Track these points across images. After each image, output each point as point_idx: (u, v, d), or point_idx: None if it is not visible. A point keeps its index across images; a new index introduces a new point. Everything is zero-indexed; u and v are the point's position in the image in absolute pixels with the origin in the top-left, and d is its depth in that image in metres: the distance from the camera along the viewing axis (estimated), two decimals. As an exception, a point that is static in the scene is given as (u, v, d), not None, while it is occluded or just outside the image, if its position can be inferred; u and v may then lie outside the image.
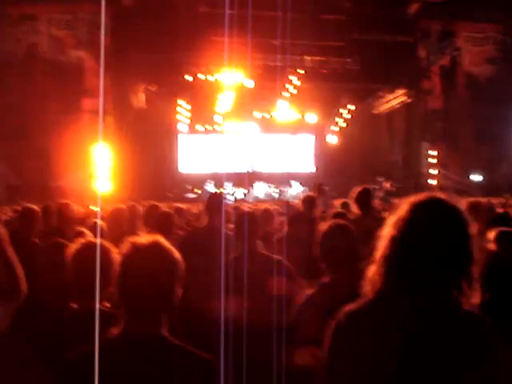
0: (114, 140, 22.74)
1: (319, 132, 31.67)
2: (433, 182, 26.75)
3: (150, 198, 9.40)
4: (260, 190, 28.10)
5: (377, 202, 14.43)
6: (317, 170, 31.51)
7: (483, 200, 7.17)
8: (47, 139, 22.06)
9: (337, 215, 5.94)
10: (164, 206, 7.98)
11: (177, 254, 2.30)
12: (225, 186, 26.99)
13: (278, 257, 4.76)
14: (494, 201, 14.30)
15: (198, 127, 29.88)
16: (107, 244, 3.15)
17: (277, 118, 28.97)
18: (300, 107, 28.85)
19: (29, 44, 24.05)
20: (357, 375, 2.02)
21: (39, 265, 4.17)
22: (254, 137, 30.41)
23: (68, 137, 21.30)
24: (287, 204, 11.92)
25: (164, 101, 27.07)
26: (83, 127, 22.80)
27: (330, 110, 30.45)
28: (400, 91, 27.54)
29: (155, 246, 2.26)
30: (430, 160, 27.45)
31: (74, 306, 3.17)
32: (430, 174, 27.40)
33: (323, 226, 4.00)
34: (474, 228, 2.07)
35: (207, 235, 5.51)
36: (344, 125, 30.53)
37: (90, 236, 4.31)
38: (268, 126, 30.02)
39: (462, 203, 2.12)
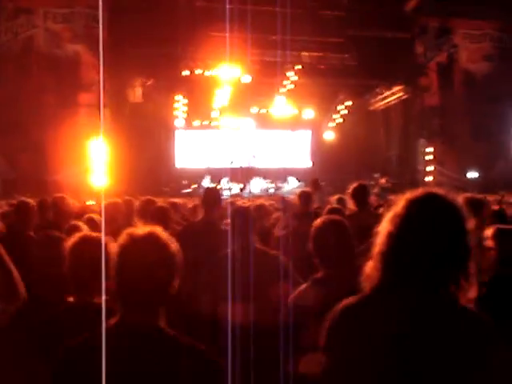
0: (110, 134, 22.69)
1: (316, 128, 31.68)
2: (429, 178, 26.78)
3: (146, 193, 9.39)
4: (256, 185, 28.10)
5: (373, 198, 14.42)
6: (313, 165, 31.54)
7: (480, 196, 7.18)
8: (43, 133, 22.01)
9: (332, 211, 5.93)
10: (160, 201, 7.98)
11: (174, 245, 2.29)
12: (221, 182, 27.00)
13: (274, 251, 4.76)
14: (490, 198, 14.33)
15: (195, 122, 29.84)
16: (105, 237, 3.14)
17: (274, 113, 28.96)
18: (297, 103, 28.86)
19: (25, 37, 23.95)
20: (353, 370, 2.02)
21: (34, 258, 4.16)
22: (250, 132, 30.39)
23: (64, 131, 21.26)
24: (283, 199, 11.91)
25: (161, 95, 27.02)
26: (79, 121, 22.77)
27: (326, 106, 30.45)
28: (397, 87, 27.57)
29: (152, 236, 2.26)
30: (427, 156, 27.49)
31: (70, 299, 3.17)
32: (426, 170, 27.44)
33: (317, 222, 3.99)
34: (470, 223, 2.07)
35: (203, 229, 5.51)
36: (341, 121, 30.53)
37: (85, 230, 4.30)
38: (265, 121, 30.01)
39: (459, 199, 2.12)
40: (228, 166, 28.52)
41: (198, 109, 28.89)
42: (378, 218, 2.24)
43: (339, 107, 30.16)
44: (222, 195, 8.46)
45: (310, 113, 30.52)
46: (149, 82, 26.18)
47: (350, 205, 6.79)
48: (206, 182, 27.13)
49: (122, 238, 2.26)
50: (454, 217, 2.05)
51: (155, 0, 22.80)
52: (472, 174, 27.16)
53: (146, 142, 25.59)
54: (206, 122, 29.89)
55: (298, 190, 8.68)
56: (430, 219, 2.04)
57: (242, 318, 4.13)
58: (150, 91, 26.56)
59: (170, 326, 2.24)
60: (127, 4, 23.06)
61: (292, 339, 3.45)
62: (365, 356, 1.99)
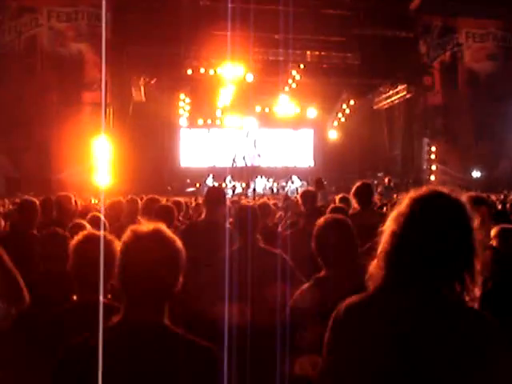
0: (114, 133, 22.74)
1: (319, 127, 31.69)
2: (432, 177, 26.77)
3: (150, 192, 9.40)
4: (259, 184, 28.11)
5: (376, 198, 14.42)
6: (316, 164, 31.53)
7: (483, 195, 7.18)
8: (47, 132, 22.08)
9: (335, 210, 5.90)
10: (163, 200, 7.98)
11: (178, 243, 2.28)
12: (225, 180, 27.03)
13: (278, 250, 4.75)
14: (494, 197, 14.32)
15: (199, 121, 29.87)
16: (110, 236, 3.14)
17: (277, 112, 28.96)
18: (300, 102, 28.84)
19: (29, 36, 24.01)
20: (355, 369, 2.02)
21: (37, 256, 4.16)
22: (253, 131, 30.39)
23: (68, 129, 21.32)
24: (285, 198, 11.90)
25: (164, 94, 27.05)
26: (83, 120, 22.81)
27: (329, 105, 30.46)
28: (400, 87, 27.54)
29: (157, 233, 2.24)
30: (430, 156, 27.49)
31: (74, 298, 3.17)
32: (430, 169, 27.43)
33: (319, 221, 3.97)
34: (475, 221, 2.05)
35: (206, 229, 5.50)
36: (344, 120, 30.51)
37: (88, 229, 4.30)
38: (267, 120, 30.01)
39: (464, 197, 2.11)
40: (232, 164, 28.56)
41: (202, 108, 28.93)
42: (381, 218, 2.23)
43: (342, 106, 30.15)
44: (226, 194, 8.45)
45: (312, 112, 30.52)
46: (152, 81, 26.22)
47: (354, 204, 6.77)
48: (210, 181, 27.16)
49: (127, 235, 2.25)
50: (458, 215, 2.04)
51: (159, -1, 22.84)
52: (475, 173, 27.15)
53: (149, 140, 25.63)
54: (209, 121, 29.92)
55: (302, 189, 8.67)
56: (434, 218, 2.02)
57: (246, 317, 4.13)
58: (153, 90, 26.60)
59: (172, 325, 2.24)
60: (131, 3, 23.10)
61: (293, 340, 3.45)
62: (367, 355, 1.99)
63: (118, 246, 2.35)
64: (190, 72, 25.14)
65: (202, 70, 25.14)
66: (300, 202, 7.00)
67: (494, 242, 4.65)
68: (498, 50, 28.01)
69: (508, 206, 10.70)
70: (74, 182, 19.71)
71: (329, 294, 3.05)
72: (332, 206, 6.56)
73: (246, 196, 23.75)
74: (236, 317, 3.97)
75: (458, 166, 27.24)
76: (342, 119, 30.62)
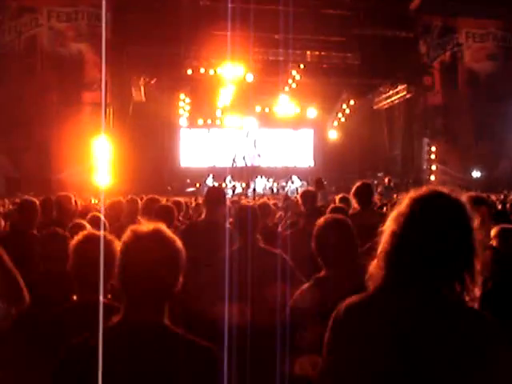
0: (114, 133, 22.75)
1: (319, 127, 31.69)
2: (432, 177, 26.79)
3: (150, 192, 9.40)
4: (259, 184, 28.12)
5: (376, 198, 14.42)
6: (316, 164, 31.54)
7: (483, 195, 7.19)
8: (47, 132, 22.08)
9: (335, 209, 5.90)
10: (163, 200, 7.98)
11: (178, 242, 2.28)
12: (225, 180, 27.04)
13: (277, 250, 4.75)
14: (493, 197, 14.33)
15: (198, 121, 29.88)
16: (110, 236, 3.13)
17: (277, 112, 28.97)
18: (300, 102, 28.85)
19: (28, 36, 24.01)
20: (355, 369, 2.02)
21: (37, 256, 4.15)
22: (253, 131, 30.40)
23: (68, 129, 21.32)
24: (285, 198, 11.90)
25: (164, 94, 27.06)
26: (83, 120, 22.82)
27: (329, 105, 30.46)
28: (400, 87, 27.55)
29: (157, 233, 2.24)
30: (430, 156, 27.50)
31: (74, 298, 3.16)
32: (430, 169, 27.45)
33: (319, 221, 3.97)
34: (476, 221, 2.05)
35: (206, 229, 5.49)
36: (344, 120, 30.52)
37: (88, 229, 4.30)
38: (267, 120, 30.02)
39: (464, 197, 2.10)
40: (232, 164, 28.58)
41: (202, 108, 28.94)
42: (381, 218, 2.23)
43: (342, 106, 30.16)
44: (226, 194, 8.46)
45: (312, 112, 30.52)
46: (152, 81, 26.23)
47: (354, 204, 6.77)
48: (210, 181, 27.17)
49: (127, 235, 2.24)
50: (458, 215, 2.03)
51: (159, -1, 22.84)
52: (475, 173, 27.15)
53: (149, 140, 25.64)
54: (209, 121, 29.93)
55: (302, 189, 8.66)
56: (434, 218, 2.02)
57: (246, 317, 4.13)
58: (153, 90, 26.61)
59: (172, 325, 2.24)
60: (131, 3, 23.10)
61: (293, 340, 3.45)
62: (367, 355, 1.99)
63: (118, 246, 2.35)
64: (190, 72, 25.15)
65: (202, 70, 25.15)
66: (300, 201, 7.00)
67: (494, 242, 4.65)
68: (497, 50, 28.02)
69: (508, 206, 10.71)
70: (74, 182, 19.71)
71: (329, 294, 3.04)
72: (332, 205, 6.56)
73: (246, 196, 23.75)
74: (236, 317, 3.97)
75: (457, 165, 27.25)
76: (342, 119, 30.63)
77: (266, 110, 29.74)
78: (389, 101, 29.00)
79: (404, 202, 2.10)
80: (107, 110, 22.33)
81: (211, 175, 27.81)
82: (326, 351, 2.16)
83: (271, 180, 28.76)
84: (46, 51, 23.95)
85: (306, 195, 6.98)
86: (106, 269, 2.62)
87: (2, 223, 7.20)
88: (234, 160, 29.09)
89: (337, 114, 30.77)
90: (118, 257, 2.26)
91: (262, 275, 4.33)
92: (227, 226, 5.32)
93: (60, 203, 6.86)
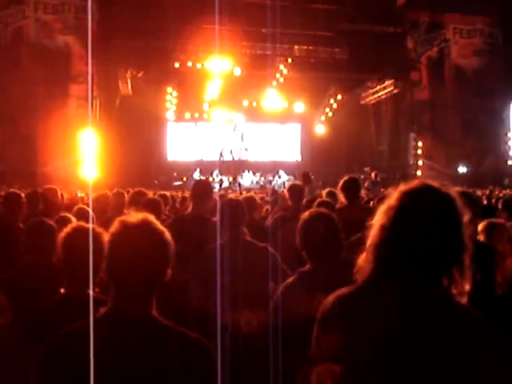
0: (101, 126, 22.64)
1: (306, 121, 31.71)
2: (418, 172, 26.90)
3: (136, 186, 9.35)
4: (246, 178, 28.13)
5: (363, 192, 14.47)
6: (303, 159, 31.58)
7: (469, 190, 7.23)
8: (32, 124, 21.94)
9: (321, 204, 5.91)
10: (150, 194, 7.95)
11: (167, 234, 2.27)
12: (212, 174, 27.02)
13: (264, 244, 4.76)
14: (479, 192, 14.41)
15: (186, 115, 29.80)
16: (98, 229, 3.11)
17: (264, 106, 28.96)
18: (288, 96, 28.84)
19: (15, 28, 23.82)
20: (342, 361, 2.02)
21: (23, 247, 4.11)
22: (241, 125, 30.38)
23: (54, 122, 21.19)
24: (273, 192, 11.90)
25: (151, 88, 26.95)
26: (69, 113, 22.70)
27: (317, 100, 30.46)
28: (387, 82, 27.62)
29: (145, 223, 2.23)
30: (416, 151, 27.61)
31: (62, 291, 3.14)
32: (416, 164, 27.56)
33: (304, 214, 3.98)
34: (466, 216, 2.05)
35: (192, 222, 5.49)
36: (331, 114, 30.56)
37: (74, 222, 4.27)
38: (255, 114, 29.99)
39: (454, 191, 2.10)
40: (219, 158, 28.56)
41: (189, 101, 28.84)
42: (368, 212, 2.23)
43: (329, 101, 30.19)
44: (214, 188, 8.44)
45: (300, 106, 30.51)
46: (139, 74, 26.12)
47: (341, 198, 6.77)
48: (197, 175, 27.13)
49: (114, 226, 2.23)
50: (448, 209, 2.03)
51: (146, -8, 22.72)
52: (461, 169, 27.29)
53: (136, 134, 25.53)
54: (196, 115, 29.85)
55: (289, 184, 8.66)
56: (424, 212, 2.02)
57: (231, 311, 4.13)
58: (140, 83, 26.50)
59: (161, 315, 2.23)
60: (118, -5, 22.96)
61: (279, 334, 3.45)
62: (355, 348, 2.00)
63: (106, 238, 2.34)
64: (177, 65, 25.08)
65: (190, 64, 25.08)
66: (287, 196, 7.00)
67: (481, 237, 4.69)
68: (484, 47, 28.14)
69: (493, 201, 10.77)
70: (60, 176, 19.60)
71: (313, 288, 3.06)
72: (319, 200, 6.57)
73: (233, 190, 23.75)
74: (221, 311, 3.97)
75: (444, 161, 27.37)
76: (330, 114, 30.67)
77: (254, 104, 29.69)
78: (376, 96, 29.08)
79: (394, 195, 2.10)
80: (94, 103, 22.23)
81: (198, 169, 27.75)
82: (314, 344, 2.17)
83: (258, 174, 28.76)
84: (32, 43, 23.77)
85: (293, 189, 6.98)
86: (94, 262, 2.61)
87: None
88: (221, 154, 29.06)
89: (324, 108, 30.81)
90: (106, 248, 2.25)
91: (249, 269, 4.33)
92: (214, 219, 5.31)
93: (46, 196, 6.83)
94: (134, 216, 2.27)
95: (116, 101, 25.48)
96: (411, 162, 28.03)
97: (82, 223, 3.38)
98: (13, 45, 23.61)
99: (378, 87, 28.44)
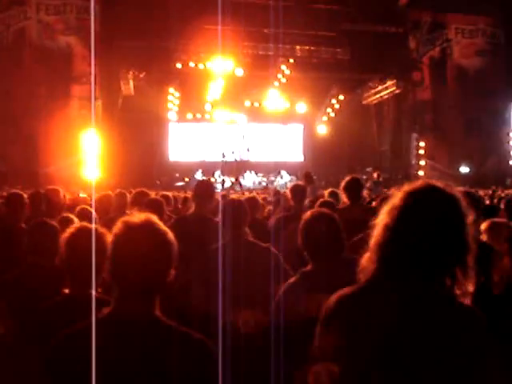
0: (103, 127, 22.65)
1: (308, 122, 31.70)
2: (421, 172, 26.87)
3: (138, 186, 9.36)
4: (249, 179, 28.11)
5: (365, 193, 14.45)
6: (305, 159, 31.57)
7: (472, 191, 7.24)
8: (35, 125, 21.94)
9: (324, 204, 5.91)
10: (152, 194, 7.95)
11: (170, 234, 2.28)
12: (214, 175, 27.00)
13: (266, 244, 4.75)
14: (482, 192, 14.39)
15: (188, 115, 29.79)
16: (102, 229, 3.11)
17: (266, 106, 28.95)
18: (290, 96, 28.84)
19: (17, 29, 23.83)
20: (344, 359, 2.03)
21: (26, 247, 4.11)
22: (243, 126, 30.37)
23: (56, 123, 21.20)
24: (275, 192, 11.90)
25: (153, 88, 26.95)
26: (71, 113, 22.71)
27: (319, 100, 30.45)
28: (389, 82, 27.60)
29: (148, 224, 2.23)
30: (418, 151, 27.58)
31: (65, 291, 3.14)
32: (418, 164, 27.53)
33: (306, 215, 3.98)
34: (470, 216, 2.04)
35: (194, 222, 5.49)
36: (333, 115, 30.54)
37: (76, 222, 4.27)
38: (257, 114, 29.98)
39: (458, 192, 2.10)
40: (221, 159, 28.55)
41: (191, 102, 28.83)
42: (370, 212, 2.23)
43: (332, 101, 30.17)
44: (216, 188, 8.46)
45: (302, 107, 30.50)
46: (141, 75, 26.12)
47: (344, 198, 6.77)
48: (199, 175, 27.13)
49: (117, 226, 2.23)
50: (452, 210, 2.03)
51: (148, -8, 22.71)
52: (464, 169, 27.25)
53: (138, 134, 25.54)
54: (198, 115, 29.83)
55: (291, 184, 8.65)
56: (428, 212, 2.01)
57: (233, 311, 4.12)
58: (142, 84, 26.51)
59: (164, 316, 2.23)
60: (120, -4, 22.97)
61: (280, 334, 3.45)
62: (356, 347, 2.00)
63: (110, 239, 2.34)
64: (179, 66, 25.08)
65: (192, 64, 25.09)
66: (290, 196, 7.00)
67: (484, 237, 4.68)
68: (487, 47, 28.10)
69: (496, 201, 10.76)
70: (62, 176, 19.61)
71: (315, 288, 3.06)
72: (321, 200, 6.57)
73: (235, 190, 23.75)
74: (223, 311, 3.97)
75: (446, 161, 27.33)
76: (332, 114, 30.65)
77: (256, 104, 29.68)
78: (378, 96, 29.05)
79: (398, 195, 2.09)
80: (96, 103, 22.24)
81: (200, 170, 27.74)
82: (316, 344, 2.17)
83: (260, 175, 28.74)
84: (34, 44, 23.77)
85: (295, 190, 6.99)
86: (97, 262, 2.61)
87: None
88: (223, 154, 29.05)
89: (326, 108, 30.78)
90: (109, 248, 2.25)
91: (251, 269, 4.33)
92: (216, 220, 5.31)
93: (49, 197, 6.84)
94: (137, 216, 2.27)
95: (118, 101, 25.50)
96: (413, 162, 27.99)
97: (84, 224, 3.38)
98: (15, 46, 23.61)
99: (380, 87, 28.41)
